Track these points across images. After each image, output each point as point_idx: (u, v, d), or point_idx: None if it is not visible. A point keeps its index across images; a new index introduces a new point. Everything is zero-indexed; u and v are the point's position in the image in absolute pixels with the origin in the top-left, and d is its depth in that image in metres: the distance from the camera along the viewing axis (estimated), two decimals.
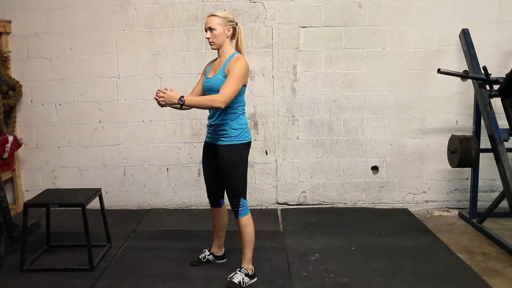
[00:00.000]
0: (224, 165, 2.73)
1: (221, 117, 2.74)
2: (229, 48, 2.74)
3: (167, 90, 2.56)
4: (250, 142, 2.83)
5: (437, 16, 4.07)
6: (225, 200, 3.01)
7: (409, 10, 4.07)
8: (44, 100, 4.19)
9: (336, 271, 2.96)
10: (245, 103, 2.81)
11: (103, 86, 4.17)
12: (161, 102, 2.57)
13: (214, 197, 2.98)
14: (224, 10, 2.78)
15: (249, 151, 2.84)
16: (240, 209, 2.73)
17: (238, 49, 2.78)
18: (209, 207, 3.07)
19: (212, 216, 3.05)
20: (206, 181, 2.97)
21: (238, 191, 2.75)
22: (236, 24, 2.75)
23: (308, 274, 2.93)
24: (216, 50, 2.77)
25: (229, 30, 2.71)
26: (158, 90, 2.56)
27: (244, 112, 2.81)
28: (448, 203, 4.32)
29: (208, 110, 2.81)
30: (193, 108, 2.74)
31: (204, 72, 2.89)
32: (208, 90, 2.76)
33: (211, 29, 2.67)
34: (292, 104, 4.19)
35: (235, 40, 2.79)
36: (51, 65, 4.15)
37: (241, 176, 2.77)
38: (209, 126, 2.85)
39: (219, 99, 2.55)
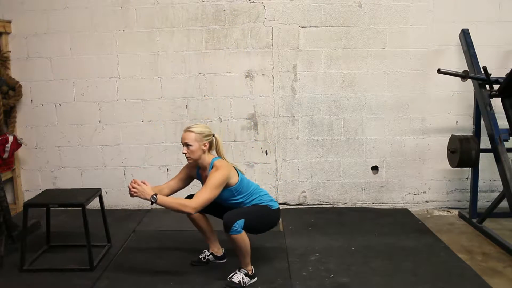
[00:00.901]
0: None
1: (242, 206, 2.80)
2: (207, 159, 2.78)
3: (142, 183, 2.57)
4: (278, 210, 2.89)
5: (437, 16, 4.08)
6: None
7: (409, 10, 4.07)
8: (44, 100, 4.19)
9: (336, 271, 2.96)
10: (249, 186, 2.83)
11: (103, 86, 4.17)
12: (132, 193, 2.57)
13: None
14: (201, 124, 2.83)
15: (276, 220, 2.89)
16: (234, 226, 2.61)
17: (218, 154, 2.83)
18: None
19: (192, 222, 2.99)
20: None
21: (244, 217, 2.66)
22: (213, 135, 2.80)
23: (308, 274, 2.93)
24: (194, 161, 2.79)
25: (205, 145, 2.75)
26: (133, 180, 2.58)
27: (255, 190, 2.85)
28: (448, 203, 4.32)
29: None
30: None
31: (186, 173, 2.90)
32: (219, 202, 2.79)
33: (187, 145, 2.71)
34: (292, 104, 4.19)
35: (214, 150, 2.84)
36: (51, 65, 4.15)
37: (257, 216, 2.77)
38: None
39: (191, 205, 2.57)
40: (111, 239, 3.38)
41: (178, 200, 2.65)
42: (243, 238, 2.67)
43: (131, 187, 2.57)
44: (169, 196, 2.74)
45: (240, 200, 2.80)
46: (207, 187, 2.62)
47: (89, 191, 3.22)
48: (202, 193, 2.61)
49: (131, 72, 4.15)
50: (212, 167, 2.72)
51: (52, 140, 4.25)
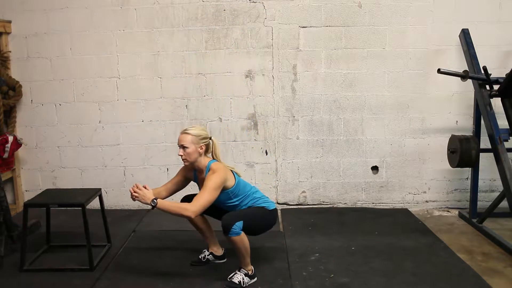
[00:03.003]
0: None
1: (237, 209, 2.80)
2: (203, 162, 2.78)
3: (144, 188, 2.61)
4: (275, 211, 2.90)
5: (437, 16, 4.08)
6: None
7: (409, 10, 4.07)
8: (44, 100, 4.19)
9: (336, 271, 2.96)
10: (245, 188, 2.84)
11: (103, 86, 4.17)
12: (134, 197, 2.62)
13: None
14: (198, 127, 2.83)
15: (274, 222, 2.90)
16: (233, 228, 2.62)
17: (215, 157, 2.83)
18: None
19: (191, 223, 3.00)
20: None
21: (241, 219, 2.66)
22: (210, 138, 2.80)
23: (308, 274, 2.93)
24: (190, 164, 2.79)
25: (202, 148, 2.75)
26: (135, 185, 2.62)
27: (251, 192, 2.86)
28: (448, 203, 4.32)
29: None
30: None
31: (182, 175, 2.91)
32: (216, 205, 2.79)
33: (183, 147, 2.71)
34: (292, 104, 4.19)
35: (211, 153, 2.84)
36: (51, 65, 4.15)
37: (255, 218, 2.77)
38: None
39: (191, 209, 2.58)
40: (111, 239, 3.38)
41: (178, 204, 2.67)
42: (243, 239, 2.68)
43: (132, 191, 2.62)
44: (169, 201, 2.72)
45: (237, 203, 2.81)
46: (206, 190, 2.63)
47: (89, 191, 3.22)
48: (201, 196, 2.62)
49: (131, 72, 4.15)
50: (209, 170, 2.73)
51: (52, 140, 4.25)
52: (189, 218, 2.69)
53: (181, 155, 2.74)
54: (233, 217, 2.66)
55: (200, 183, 2.84)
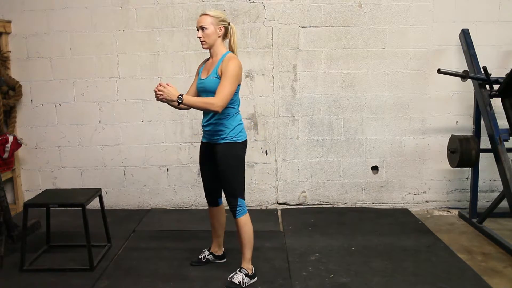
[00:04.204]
0: (222, 164, 2.73)
1: (215, 117, 2.73)
2: (221, 48, 2.73)
3: (168, 85, 2.55)
4: (246, 141, 2.83)
5: (437, 16, 4.08)
6: (223, 199, 3.02)
7: (409, 10, 4.07)
8: (44, 100, 4.20)
9: (336, 271, 2.96)
10: (239, 102, 2.81)
11: (103, 86, 4.17)
12: (159, 96, 2.55)
13: (212, 196, 2.98)
14: (217, 9, 2.76)
15: (245, 150, 2.83)
16: (238, 209, 2.73)
17: (231, 49, 2.77)
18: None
19: (210, 215, 3.04)
20: (204, 181, 2.98)
21: (236, 191, 2.75)
22: (229, 24, 2.74)
23: (308, 274, 2.93)
24: (208, 50, 2.75)
25: (221, 30, 2.70)
26: (159, 84, 2.55)
27: (239, 111, 2.81)
28: (448, 203, 4.32)
29: (202, 113, 2.82)
30: (193, 108, 2.74)
31: (198, 72, 2.87)
32: (202, 91, 2.76)
33: (202, 28, 2.66)
34: (292, 104, 4.19)
35: (228, 40, 2.78)
36: (51, 65, 4.15)
37: (238, 176, 2.77)
38: (204, 127, 2.83)
39: (217, 103, 2.55)
40: (111, 239, 3.38)
41: (204, 99, 2.64)
42: (248, 224, 2.75)
43: (157, 90, 2.54)
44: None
45: (224, 108, 2.67)
46: (226, 80, 2.58)
47: (89, 191, 3.23)
48: (223, 88, 2.57)
49: (131, 72, 4.15)
50: (225, 58, 2.66)
51: (52, 140, 4.25)
52: (216, 112, 2.59)
53: (200, 37, 2.68)
54: (232, 198, 2.73)
55: (206, 70, 2.76)
